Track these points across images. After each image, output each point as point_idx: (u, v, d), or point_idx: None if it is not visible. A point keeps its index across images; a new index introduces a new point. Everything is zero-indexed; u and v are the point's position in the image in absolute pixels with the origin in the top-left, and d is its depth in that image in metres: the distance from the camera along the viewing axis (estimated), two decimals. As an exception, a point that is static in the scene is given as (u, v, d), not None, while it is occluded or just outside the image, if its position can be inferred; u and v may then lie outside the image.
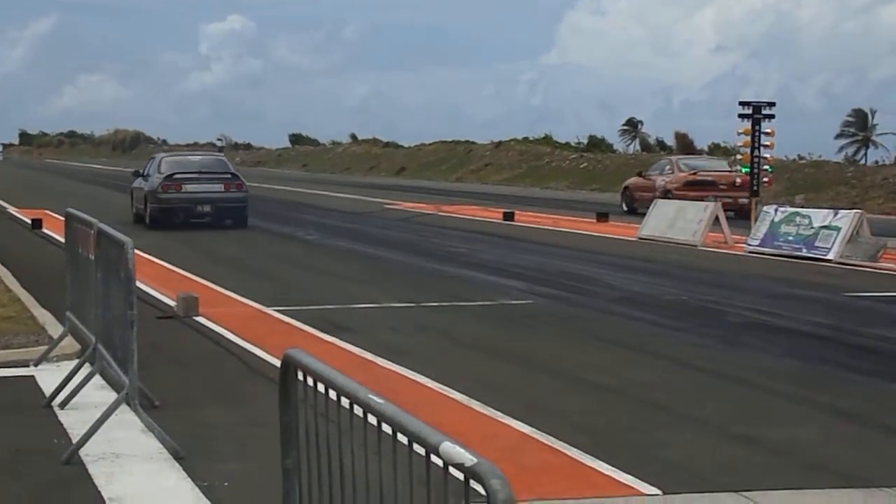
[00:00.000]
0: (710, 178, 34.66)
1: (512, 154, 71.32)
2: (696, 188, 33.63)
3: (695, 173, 35.29)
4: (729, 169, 34.44)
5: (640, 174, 38.21)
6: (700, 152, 59.19)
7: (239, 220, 28.77)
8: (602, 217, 31.49)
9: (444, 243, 25.19)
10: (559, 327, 13.97)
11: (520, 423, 8.99)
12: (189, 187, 28.71)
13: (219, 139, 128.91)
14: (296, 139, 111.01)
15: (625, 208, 37.09)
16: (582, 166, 63.00)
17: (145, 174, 30.12)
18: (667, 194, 32.57)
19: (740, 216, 29.89)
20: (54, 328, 12.27)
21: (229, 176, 29.47)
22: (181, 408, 9.43)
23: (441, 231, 28.77)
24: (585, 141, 68.70)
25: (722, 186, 33.81)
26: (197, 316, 14.06)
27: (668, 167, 36.75)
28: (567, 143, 70.05)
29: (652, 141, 68.40)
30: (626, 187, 38.54)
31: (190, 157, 33.83)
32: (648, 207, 28.13)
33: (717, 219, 25.06)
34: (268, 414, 8.57)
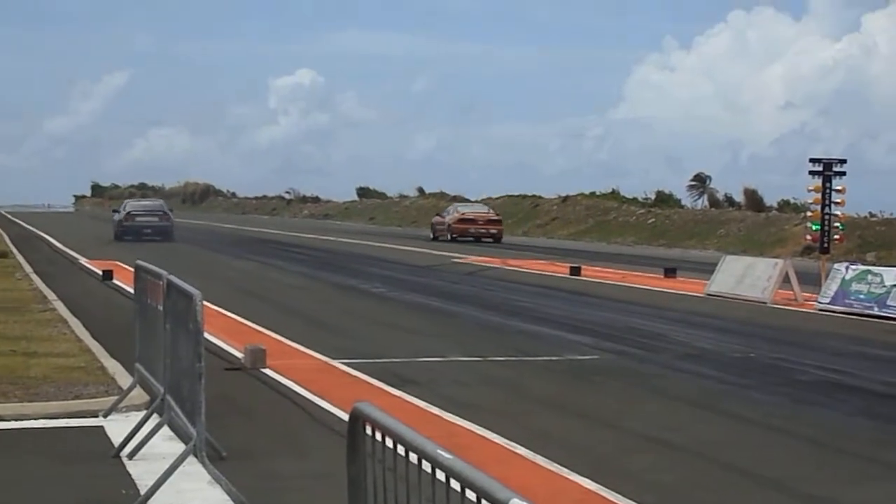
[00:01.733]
0: (472, 217, 53.87)
1: (579, 209, 71.21)
2: (464, 223, 53.10)
3: (463, 214, 54.23)
4: (485, 210, 56.06)
5: (438, 214, 57.62)
6: (769, 209, 58.83)
7: (166, 238, 48.07)
8: (670, 273, 31.32)
9: (511, 297, 25.16)
10: (626, 383, 13.87)
11: (586, 479, 8.92)
12: (139, 219, 49.66)
13: (287, 192, 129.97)
14: (363, 192, 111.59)
15: (431, 237, 54.80)
16: (649, 221, 62.74)
17: (119, 211, 51.58)
18: (450, 227, 53.00)
19: (496, 242, 51.11)
20: (124, 379, 12.38)
21: (162, 213, 50.82)
22: (248, 459, 9.46)
23: (507, 285, 28.74)
24: (653, 196, 68.38)
25: (481, 222, 53.51)
26: (264, 368, 14.13)
27: (451, 210, 56.20)
28: (634, 198, 69.77)
29: (720, 196, 67.89)
30: (432, 223, 57.28)
31: (142, 201, 58.44)
32: (446, 236, 48.69)
33: (787, 276, 24.81)
34: (334, 466, 8.57)
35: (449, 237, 52.90)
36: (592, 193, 73.93)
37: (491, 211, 56.52)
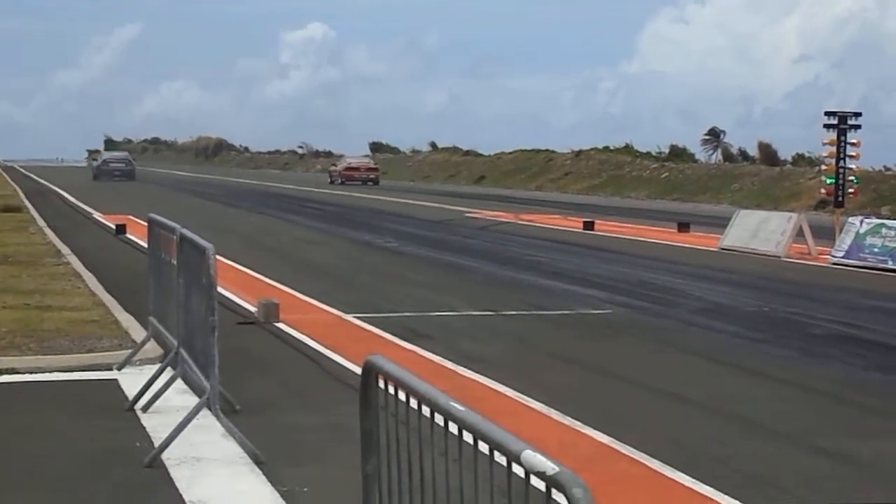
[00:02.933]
0: (356, 166, 72.25)
1: (592, 163, 71.05)
2: (350, 171, 71.13)
3: (349, 164, 72.92)
4: (367, 161, 75.48)
5: (333, 165, 77.10)
6: (784, 163, 58.67)
7: (130, 178, 69.53)
8: (683, 227, 31.26)
9: (524, 252, 25.14)
10: (639, 338, 13.87)
11: (599, 433, 8.93)
12: (111, 165, 72.53)
13: (300, 146, 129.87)
14: (376, 147, 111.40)
15: (329, 182, 70.82)
16: (663, 176, 62.59)
17: (97, 161, 74.73)
18: (340, 174, 70.82)
19: (375, 185, 67.40)
20: (137, 332, 12.41)
21: (127, 161, 73.85)
22: (261, 413, 9.49)
23: (520, 240, 28.72)
24: (667, 150, 68.12)
25: (363, 169, 71.43)
26: (277, 322, 14.15)
27: (342, 161, 74.58)
28: (648, 153, 69.54)
29: (734, 151, 67.60)
30: (329, 171, 75.37)
31: (113, 153, 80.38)
32: (338, 181, 66.75)
33: (801, 230, 24.74)
34: (347, 420, 8.59)
35: (340, 181, 69.89)
36: (606, 148, 73.72)
37: (371, 161, 77.25)
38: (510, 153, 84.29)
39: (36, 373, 10.96)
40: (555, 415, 9.54)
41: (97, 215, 35.57)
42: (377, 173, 72.30)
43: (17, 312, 13.85)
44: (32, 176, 79.25)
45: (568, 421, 9.33)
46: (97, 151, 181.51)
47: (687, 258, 24.16)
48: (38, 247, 22.89)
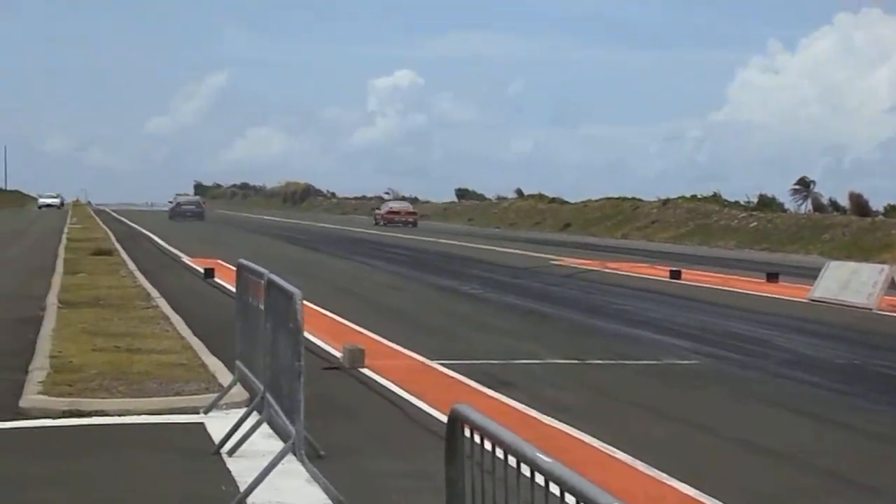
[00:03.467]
0: (397, 210, 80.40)
1: (679, 212, 70.59)
2: (391, 214, 78.84)
3: (391, 208, 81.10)
4: (406, 206, 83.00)
5: (376, 209, 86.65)
6: (875, 213, 57.79)
7: (199, 218, 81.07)
8: (772, 277, 30.89)
9: (609, 300, 25.00)
10: (726, 389, 13.70)
11: (686, 485, 8.82)
12: (183, 207, 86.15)
13: (386, 192, 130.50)
14: (462, 193, 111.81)
15: (374, 223, 78.47)
16: (752, 225, 61.96)
17: (172, 202, 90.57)
18: (383, 217, 78.50)
19: (413, 227, 73.27)
20: (224, 376, 12.51)
21: (197, 203, 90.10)
22: (346, 458, 9.50)
23: (606, 288, 28.57)
24: (755, 200, 67.47)
25: (403, 213, 78.80)
26: (362, 367, 14.19)
27: (384, 206, 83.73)
28: (736, 202, 68.93)
29: (825, 201, 66.79)
30: (374, 214, 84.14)
31: (186, 197, 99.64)
32: (381, 223, 72.75)
33: (893, 282, 24.31)
34: (431, 467, 8.58)
35: (382, 223, 77.34)
36: (693, 196, 73.23)
37: (410, 206, 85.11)
38: (596, 201, 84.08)
39: (124, 415, 11.09)
40: (641, 466, 9.44)
41: (186, 259, 36.02)
42: (415, 217, 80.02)
43: (107, 355, 14.04)
44: (123, 219, 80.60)
45: (654, 473, 9.23)
46: (185, 195, 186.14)
47: (775, 309, 23.85)
48: (129, 290, 23.22)
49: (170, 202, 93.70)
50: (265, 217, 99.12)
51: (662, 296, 26.44)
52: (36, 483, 8.64)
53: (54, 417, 10.96)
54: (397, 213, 79.91)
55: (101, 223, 68.42)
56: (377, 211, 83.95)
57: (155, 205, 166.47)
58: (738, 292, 27.84)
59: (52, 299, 20.84)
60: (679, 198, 73.82)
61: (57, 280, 25.11)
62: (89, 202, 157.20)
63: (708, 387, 13.81)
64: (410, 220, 78.05)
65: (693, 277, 32.00)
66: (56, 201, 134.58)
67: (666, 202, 73.96)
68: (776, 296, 27.10)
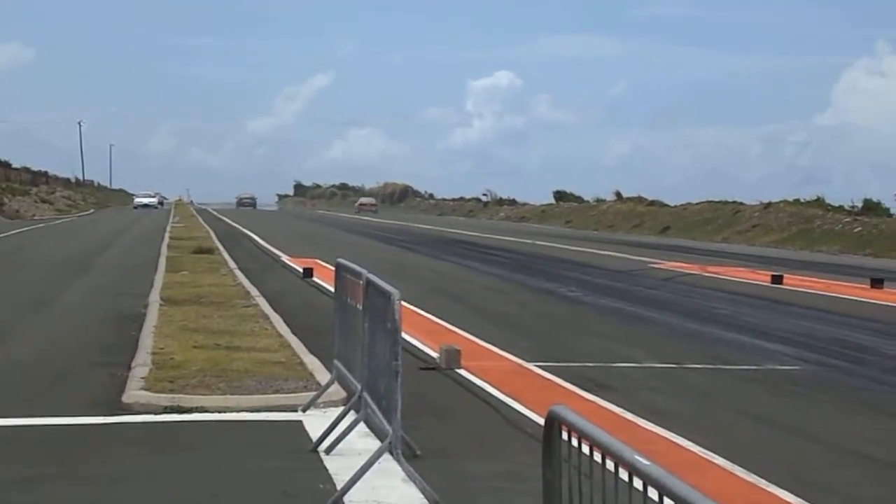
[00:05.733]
0: (365, 203, 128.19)
1: (781, 216, 69.60)
2: (362, 206, 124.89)
3: (362, 202, 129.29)
4: (372, 200, 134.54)
5: (357, 201, 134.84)
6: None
7: (253, 206, 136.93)
8: (877, 283, 30.30)
9: (709, 304, 24.72)
10: (829, 395, 13.46)
11: (786, 492, 8.68)
12: (244, 200, 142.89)
13: (484, 194, 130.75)
14: (560, 196, 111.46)
15: (356, 213, 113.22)
16: (856, 230, 60.90)
17: (238, 198, 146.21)
18: (359, 208, 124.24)
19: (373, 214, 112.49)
20: (322, 375, 12.60)
21: (252, 198, 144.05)
22: (442, 458, 9.50)
23: (705, 292, 28.25)
24: (860, 204, 66.29)
25: (368, 206, 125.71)
26: (459, 368, 14.20)
27: (359, 200, 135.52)
28: (840, 206, 67.79)
29: (931, 205, 65.36)
30: (356, 206, 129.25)
31: (249, 195, 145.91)
32: (358, 212, 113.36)
33: None
34: (527, 468, 8.55)
35: (357, 212, 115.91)
36: (796, 200, 72.16)
37: (374, 200, 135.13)
38: (696, 204, 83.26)
39: (224, 412, 11.21)
40: (739, 472, 9.31)
41: (285, 258, 36.36)
42: (376, 207, 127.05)
43: (207, 352, 14.21)
44: (224, 219, 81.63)
45: (753, 479, 9.09)
46: (285, 195, 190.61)
47: (880, 315, 23.39)
48: (229, 288, 23.50)
49: (236, 198, 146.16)
50: (363, 217, 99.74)
51: (763, 301, 26.08)
52: (137, 478, 8.76)
53: (156, 413, 11.12)
54: (365, 205, 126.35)
55: (202, 222, 69.37)
56: (357, 203, 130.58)
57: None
58: (841, 298, 27.36)
59: (154, 297, 21.17)
60: (781, 202, 72.79)
61: (159, 278, 25.51)
62: (192, 201, 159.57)
63: (810, 393, 13.57)
64: (373, 209, 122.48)
65: (795, 282, 31.52)
66: (153, 201, 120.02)
67: (768, 206, 72.97)
68: (881, 302, 26.58)
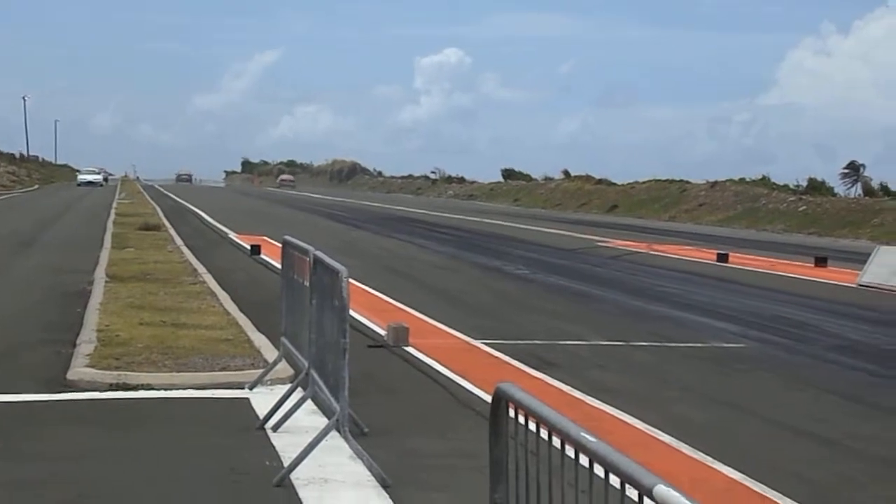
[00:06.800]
0: (286, 179, 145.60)
1: (727, 195, 70.13)
2: (283, 181, 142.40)
3: (283, 178, 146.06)
4: (291, 177, 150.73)
5: (277, 178, 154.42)
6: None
7: (190, 182, 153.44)
8: (821, 262, 30.63)
9: (655, 283, 24.88)
10: (773, 373, 13.59)
11: (731, 469, 8.76)
12: (182, 176, 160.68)
13: (433, 172, 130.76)
14: (508, 174, 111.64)
15: (278, 187, 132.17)
16: (801, 209, 61.48)
17: (179, 175, 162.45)
18: (281, 182, 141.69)
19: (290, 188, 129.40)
20: (269, 352, 12.56)
21: (189, 175, 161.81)
22: (389, 436, 9.51)
23: (652, 270, 28.43)
24: (805, 183, 66.91)
25: (287, 181, 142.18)
26: (406, 346, 14.21)
27: (281, 176, 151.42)
28: (785, 185, 68.40)
29: (875, 185, 66.10)
30: (279, 181, 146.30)
31: (187, 171, 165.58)
32: (279, 187, 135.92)
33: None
34: (474, 445, 8.57)
35: (279, 186, 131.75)
36: (742, 179, 72.73)
37: (292, 177, 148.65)
38: (643, 182, 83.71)
39: (170, 389, 11.16)
40: (685, 449, 9.39)
41: (233, 235, 36.19)
42: (293, 182, 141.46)
43: (153, 329, 14.13)
44: (171, 195, 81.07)
45: (699, 455, 9.17)
46: (233, 172, 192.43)
47: (824, 294, 23.65)
48: (176, 265, 23.36)
49: (175, 174, 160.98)
50: (311, 195, 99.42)
51: (709, 279, 26.29)
52: (82, 455, 8.71)
53: (101, 390, 11.05)
54: (285, 181, 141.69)
55: (149, 199, 68.85)
56: (278, 179, 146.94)
57: (203, 180, 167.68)
58: (785, 276, 27.63)
59: (99, 273, 21.00)
60: (727, 180, 73.34)
61: (105, 254, 25.30)
62: (138, 177, 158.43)
63: (755, 370, 13.71)
64: (291, 184, 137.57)
65: (740, 261, 31.79)
66: (98, 178, 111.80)
67: (714, 185, 73.49)
68: (825, 280, 26.88)
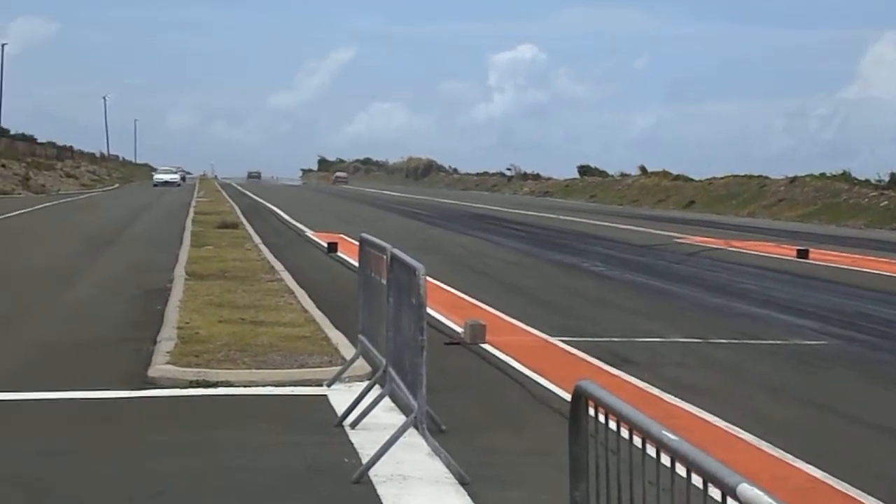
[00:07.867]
0: (340, 176, 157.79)
1: (807, 190, 69.31)
2: (339, 179, 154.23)
3: (338, 175, 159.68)
4: (345, 174, 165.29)
5: (332, 173, 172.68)
6: None
7: (259, 179, 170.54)
8: (902, 257, 30.14)
9: (734, 279, 24.63)
10: (856, 371, 13.39)
11: (812, 467, 8.65)
12: (252, 174, 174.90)
13: (508, 168, 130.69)
14: (584, 170, 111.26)
15: (333, 183, 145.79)
16: (882, 204, 60.58)
17: (250, 174, 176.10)
18: (335, 179, 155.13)
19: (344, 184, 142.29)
20: (347, 350, 12.61)
21: (259, 173, 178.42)
22: (466, 433, 9.50)
23: (731, 267, 28.16)
24: (887, 178, 65.87)
25: (342, 178, 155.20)
26: (484, 343, 14.19)
27: (336, 173, 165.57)
28: (867, 180, 67.41)
29: (958, 178, 64.84)
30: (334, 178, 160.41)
31: (256, 170, 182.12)
32: (334, 183, 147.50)
33: None
34: (551, 443, 8.53)
35: (334, 183, 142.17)
36: (822, 175, 71.81)
37: (346, 174, 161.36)
38: (722, 178, 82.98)
39: (249, 386, 11.24)
40: (766, 447, 9.28)
41: (310, 233, 36.40)
42: (347, 179, 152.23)
43: (232, 326, 14.24)
44: (248, 193, 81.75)
45: (779, 453, 9.06)
46: (309, 170, 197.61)
47: (906, 290, 23.24)
48: (254, 263, 23.54)
49: (248, 171, 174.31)
50: (387, 192, 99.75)
51: (789, 275, 25.98)
52: (163, 452, 8.79)
53: (182, 387, 11.15)
54: (340, 178, 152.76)
55: (226, 197, 69.47)
56: (333, 176, 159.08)
57: (280, 178, 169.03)
58: (868, 272, 27.23)
59: (179, 271, 21.22)
60: (807, 176, 72.47)
61: (184, 252, 25.57)
62: (216, 176, 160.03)
63: (836, 368, 13.52)
64: (344, 181, 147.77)
65: (821, 257, 31.37)
66: (175, 177, 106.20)
67: (793, 180, 72.65)
68: (907, 276, 26.43)
